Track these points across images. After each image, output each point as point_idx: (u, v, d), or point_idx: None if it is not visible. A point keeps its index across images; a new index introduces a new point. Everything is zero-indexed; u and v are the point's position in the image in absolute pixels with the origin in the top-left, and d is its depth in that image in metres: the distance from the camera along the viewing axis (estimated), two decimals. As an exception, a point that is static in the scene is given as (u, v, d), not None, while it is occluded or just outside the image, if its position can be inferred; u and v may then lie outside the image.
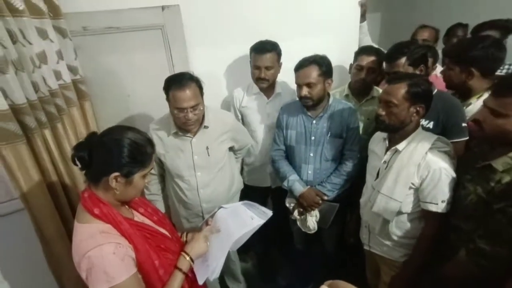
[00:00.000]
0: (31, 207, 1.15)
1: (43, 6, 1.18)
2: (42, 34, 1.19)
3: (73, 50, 1.36)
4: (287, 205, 1.63)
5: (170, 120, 1.39)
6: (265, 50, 1.56)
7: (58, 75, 1.27)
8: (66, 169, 1.28)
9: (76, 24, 1.42)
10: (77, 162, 0.84)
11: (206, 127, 1.41)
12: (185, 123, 1.31)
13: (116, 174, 0.81)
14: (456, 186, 1.09)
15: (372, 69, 1.60)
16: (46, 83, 1.19)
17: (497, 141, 0.98)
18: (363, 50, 1.65)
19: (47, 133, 1.19)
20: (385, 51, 1.54)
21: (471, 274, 0.99)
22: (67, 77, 1.31)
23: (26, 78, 1.08)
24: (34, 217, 1.17)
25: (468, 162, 1.10)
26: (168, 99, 1.30)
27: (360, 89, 1.67)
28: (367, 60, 1.59)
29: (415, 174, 1.11)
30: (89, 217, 0.83)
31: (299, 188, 1.52)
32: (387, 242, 1.27)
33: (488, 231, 0.96)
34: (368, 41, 2.09)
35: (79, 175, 1.33)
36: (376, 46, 2.07)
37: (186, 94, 1.24)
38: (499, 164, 0.94)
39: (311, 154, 1.52)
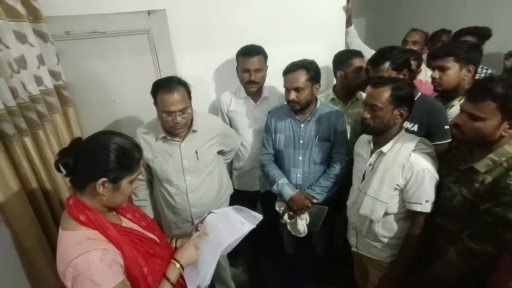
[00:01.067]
0: (9, 218, 1.10)
1: (20, 9, 1.14)
2: (21, 37, 1.15)
3: (55, 55, 1.32)
4: (277, 209, 1.63)
5: (158, 124, 1.37)
6: (253, 53, 1.57)
7: (39, 81, 1.23)
8: (48, 177, 1.23)
9: (59, 29, 1.38)
10: (62, 169, 0.81)
11: (194, 131, 1.40)
12: (173, 127, 1.30)
13: (104, 179, 0.79)
14: (439, 187, 1.13)
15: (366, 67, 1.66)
16: (26, 89, 1.15)
17: (476, 143, 1.02)
18: (353, 55, 1.68)
19: (28, 140, 1.14)
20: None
21: (461, 272, 1.02)
22: (48, 82, 1.28)
23: (3, 83, 1.03)
24: (12, 227, 1.11)
25: (450, 163, 1.13)
26: (156, 103, 1.28)
27: (346, 93, 1.71)
28: (362, 60, 1.65)
29: (400, 175, 1.14)
30: (74, 224, 0.80)
31: (288, 191, 1.53)
32: (374, 243, 1.29)
33: (475, 231, 0.99)
34: (360, 43, 2.14)
35: (62, 183, 1.29)
36: (366, 47, 2.12)
37: (175, 98, 1.23)
38: (481, 166, 0.98)
39: (300, 158, 1.54)
